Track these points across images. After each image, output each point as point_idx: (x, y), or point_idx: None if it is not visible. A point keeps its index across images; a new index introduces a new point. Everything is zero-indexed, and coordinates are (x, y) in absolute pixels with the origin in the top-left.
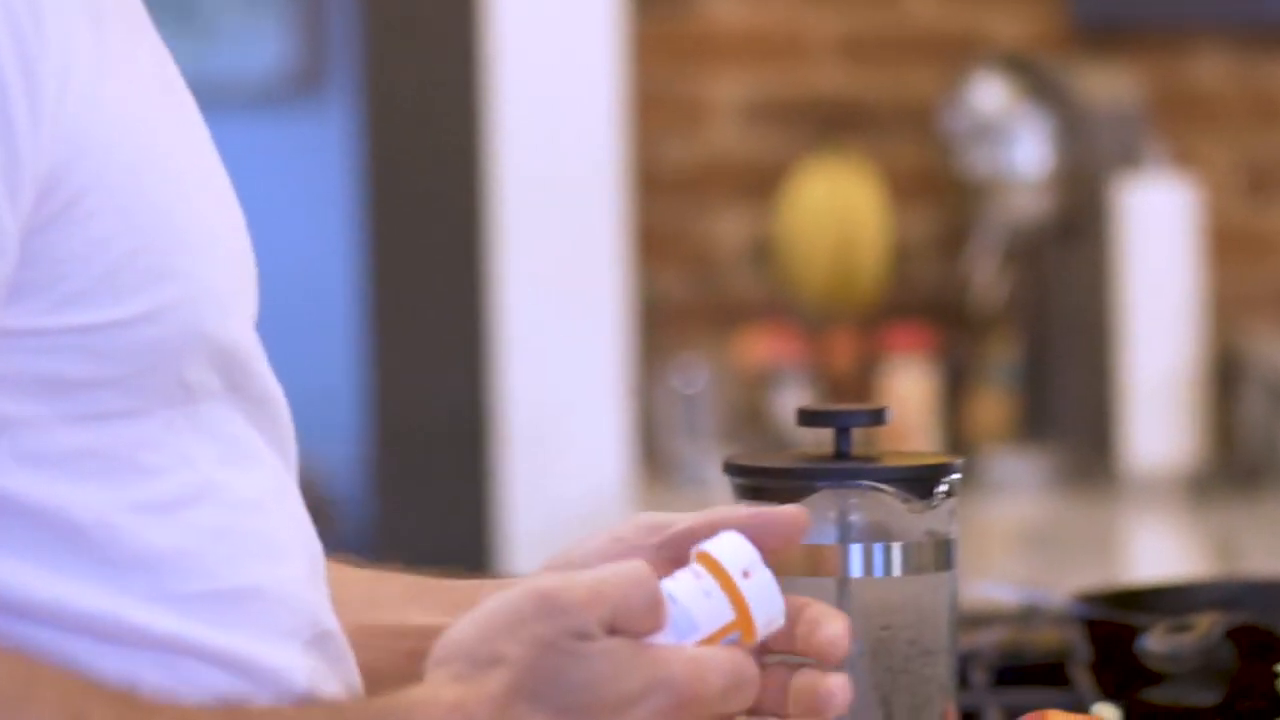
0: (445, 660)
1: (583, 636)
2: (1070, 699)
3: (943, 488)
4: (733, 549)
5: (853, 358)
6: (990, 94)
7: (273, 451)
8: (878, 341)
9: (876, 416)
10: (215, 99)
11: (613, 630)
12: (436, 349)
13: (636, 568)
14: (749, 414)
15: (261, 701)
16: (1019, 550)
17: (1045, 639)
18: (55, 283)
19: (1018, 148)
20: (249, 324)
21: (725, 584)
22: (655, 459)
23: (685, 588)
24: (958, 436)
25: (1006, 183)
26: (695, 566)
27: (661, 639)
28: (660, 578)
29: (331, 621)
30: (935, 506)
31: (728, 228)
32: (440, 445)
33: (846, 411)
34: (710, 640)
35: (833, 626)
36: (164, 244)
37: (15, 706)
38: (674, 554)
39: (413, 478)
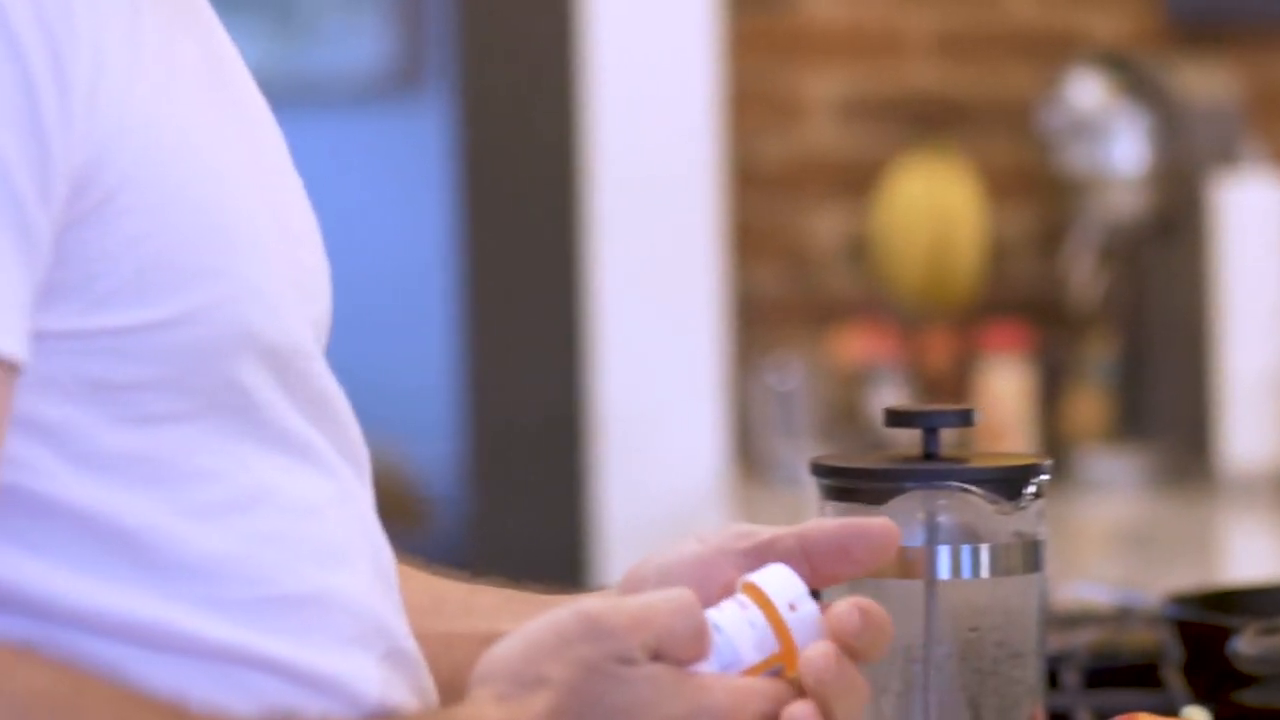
0: (489, 678)
1: (626, 661)
2: (1162, 701)
3: (1031, 489)
4: (780, 581)
5: (948, 356)
6: (1087, 91)
7: (337, 455)
8: (974, 340)
9: (964, 417)
10: (315, 97)
11: (656, 656)
12: (533, 347)
13: (683, 595)
14: (844, 412)
15: (315, 711)
16: (1114, 550)
17: (1138, 640)
18: (90, 282)
19: (1115, 145)
20: (305, 324)
21: (771, 616)
22: (750, 457)
23: (730, 618)
24: (1054, 435)
25: (1103, 180)
26: (741, 597)
27: (704, 668)
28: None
29: (400, 628)
30: (1023, 508)
31: (824, 225)
32: (536, 443)
33: (934, 412)
34: (753, 671)
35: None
36: (202, 242)
37: (64, 717)
38: (759, 563)
39: (509, 476)
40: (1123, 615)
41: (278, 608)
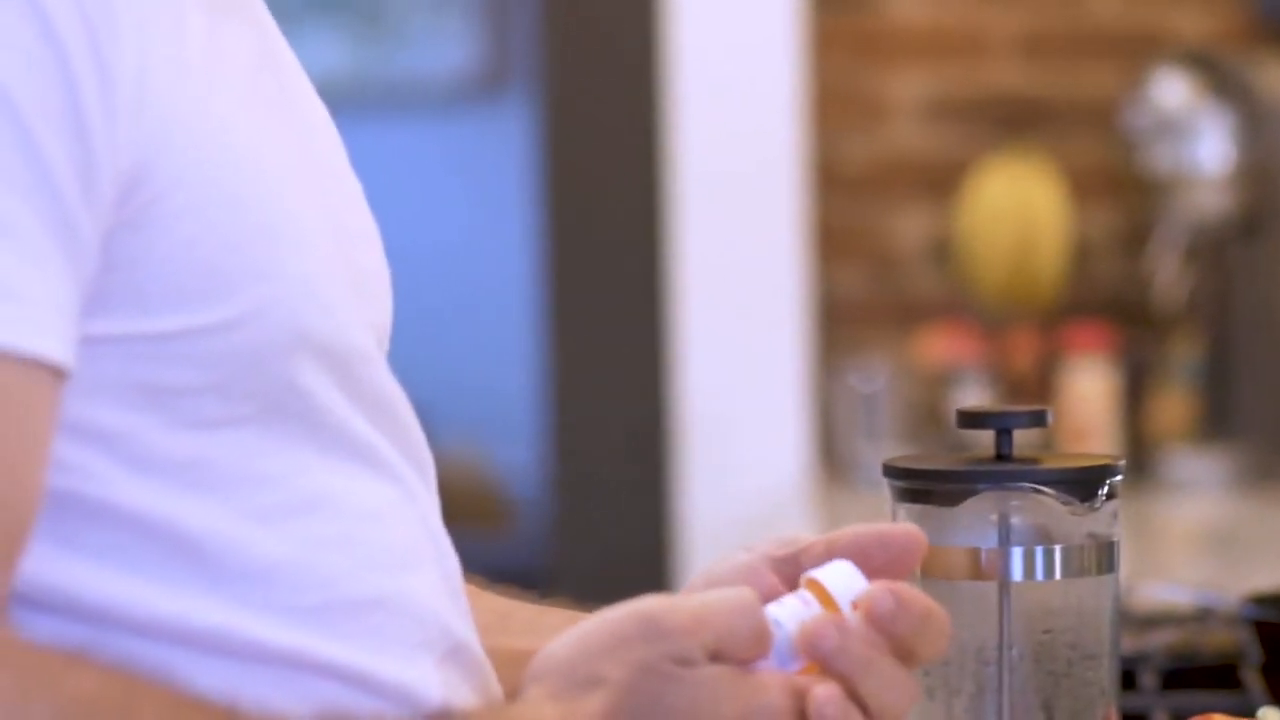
0: (544, 677)
1: (684, 662)
2: (1240, 702)
3: (1104, 490)
4: (842, 578)
5: (1032, 357)
6: (1172, 90)
7: (401, 458)
8: (1058, 340)
9: (1037, 418)
10: (400, 101)
11: (715, 657)
12: (615, 350)
13: (742, 594)
14: (927, 413)
15: (371, 712)
16: (1197, 551)
17: (1218, 641)
18: (141, 286)
19: (1200, 144)
20: (363, 326)
21: (831, 611)
22: (833, 459)
23: (791, 613)
24: (1138, 436)
25: (1188, 180)
26: (804, 593)
27: (764, 665)
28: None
29: (467, 634)
30: (1097, 509)
31: (907, 226)
32: (619, 446)
33: (1006, 413)
34: (812, 668)
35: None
36: (252, 243)
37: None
38: (793, 571)
39: (592, 480)
40: (1202, 616)
41: (340, 612)
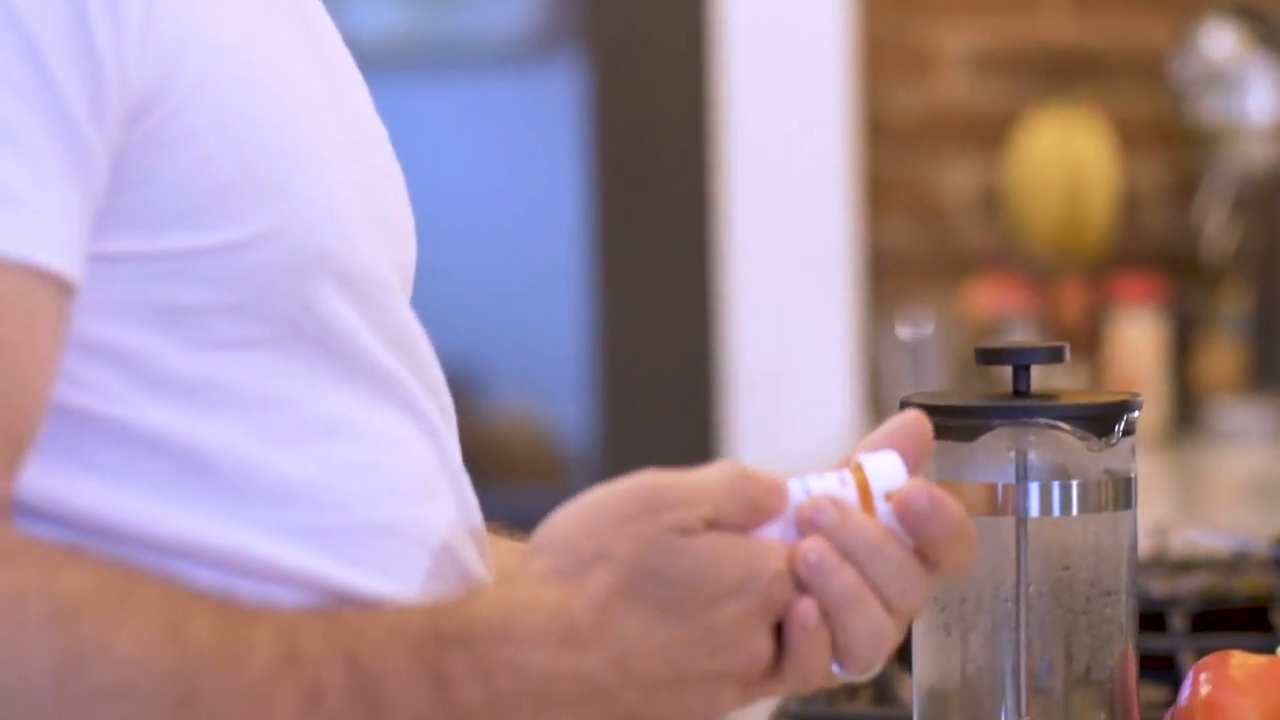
0: (547, 548)
1: (685, 532)
2: (1268, 643)
3: (1122, 425)
4: (886, 468)
5: (1081, 308)
6: (1221, 41)
7: (422, 392)
8: (1106, 291)
9: (1054, 354)
10: (453, 60)
11: (713, 527)
12: (666, 303)
13: (735, 467)
14: (975, 365)
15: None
16: (1242, 500)
17: (1250, 584)
18: (156, 205)
19: (1249, 95)
20: (386, 261)
21: (865, 498)
22: (882, 409)
23: (825, 486)
24: (1185, 387)
25: (1237, 131)
26: (844, 473)
27: (777, 533)
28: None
29: (483, 574)
30: (1114, 444)
31: (956, 177)
32: (670, 399)
33: (1024, 348)
34: None
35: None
36: (269, 162)
37: (112, 615)
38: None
39: (643, 432)
40: (1236, 560)
41: (353, 537)
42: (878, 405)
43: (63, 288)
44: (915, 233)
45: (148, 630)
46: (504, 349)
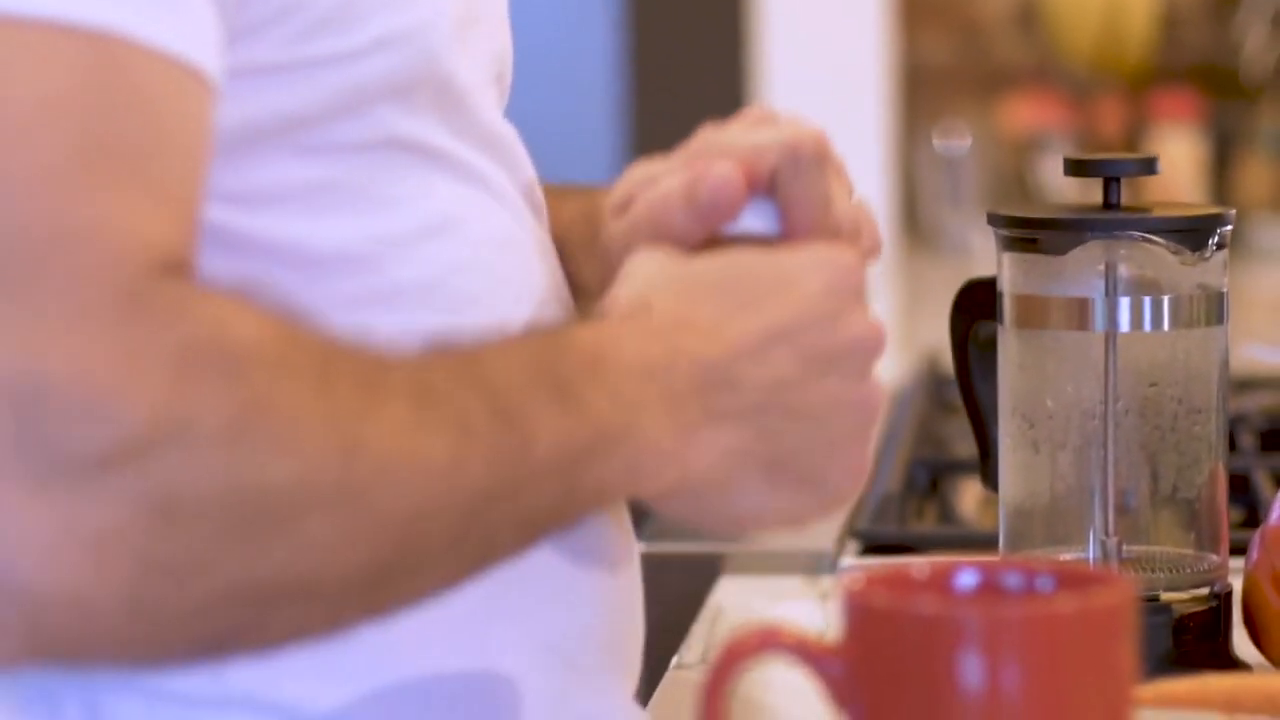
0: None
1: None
2: None
3: (1215, 239)
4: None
5: (1119, 124)
6: None
7: (519, 195)
8: (1145, 107)
9: (1146, 166)
10: None
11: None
12: (698, 117)
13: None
14: (1012, 180)
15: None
16: None
17: None
18: (287, 16)
19: None
20: (489, 69)
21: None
22: (917, 225)
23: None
24: (1223, 203)
25: None
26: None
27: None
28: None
29: None
30: (1208, 259)
31: None
32: None
33: (1116, 160)
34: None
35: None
36: None
37: (273, 371)
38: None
39: None
40: None
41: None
42: (913, 220)
43: (214, 91)
44: (952, 47)
45: (306, 384)
46: (537, 141)
